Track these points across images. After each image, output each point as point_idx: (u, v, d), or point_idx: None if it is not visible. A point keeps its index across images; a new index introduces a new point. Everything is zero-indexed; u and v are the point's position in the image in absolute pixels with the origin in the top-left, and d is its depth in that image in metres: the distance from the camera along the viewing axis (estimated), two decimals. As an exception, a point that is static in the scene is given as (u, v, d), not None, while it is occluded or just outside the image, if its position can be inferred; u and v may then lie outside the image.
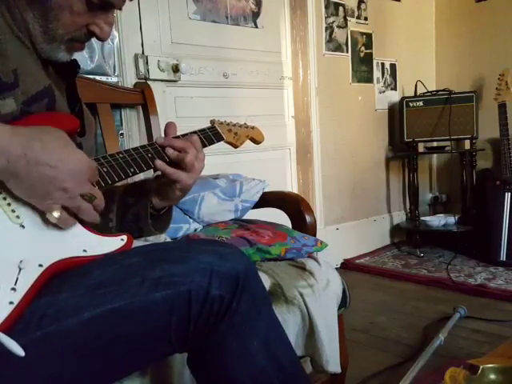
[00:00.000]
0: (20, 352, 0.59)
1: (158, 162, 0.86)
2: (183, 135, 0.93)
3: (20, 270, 0.66)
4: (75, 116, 0.85)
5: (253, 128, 1.17)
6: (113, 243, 0.79)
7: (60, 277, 0.70)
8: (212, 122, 1.05)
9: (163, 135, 0.92)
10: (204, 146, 0.96)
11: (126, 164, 0.82)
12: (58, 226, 0.71)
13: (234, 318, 0.75)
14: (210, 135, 1.00)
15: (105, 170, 0.79)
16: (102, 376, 0.73)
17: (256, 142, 1.17)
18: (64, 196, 0.68)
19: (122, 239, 0.80)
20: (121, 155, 0.82)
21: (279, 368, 0.79)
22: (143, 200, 0.93)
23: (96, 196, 0.72)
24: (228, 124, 1.08)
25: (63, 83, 0.90)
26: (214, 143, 1.01)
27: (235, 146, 1.09)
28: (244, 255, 0.82)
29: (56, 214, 0.69)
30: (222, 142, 1.05)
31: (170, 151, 0.87)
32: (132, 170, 0.83)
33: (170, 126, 0.92)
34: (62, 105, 0.85)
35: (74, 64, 0.90)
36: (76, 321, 0.66)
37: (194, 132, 0.96)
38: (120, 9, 0.84)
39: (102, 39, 0.84)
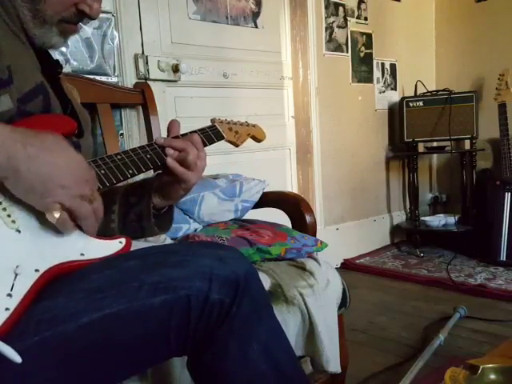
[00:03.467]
0: (17, 359, 0.58)
1: (170, 161, 0.85)
2: (183, 135, 0.92)
3: (16, 275, 0.64)
4: (70, 117, 0.84)
5: (254, 126, 1.14)
6: (111, 246, 0.77)
7: (57, 281, 0.69)
8: (212, 120, 1.03)
9: (166, 133, 0.91)
10: (204, 145, 0.94)
11: (124, 166, 0.81)
12: (56, 228, 0.69)
13: (234, 323, 0.74)
14: (210, 134, 0.98)
15: (102, 171, 0.78)
16: (100, 380, 0.72)
17: (257, 140, 1.15)
18: (63, 193, 0.66)
19: (121, 242, 0.78)
20: (119, 157, 0.81)
21: (279, 372, 0.78)
22: (146, 199, 0.91)
23: (96, 199, 0.71)
24: (229, 122, 1.06)
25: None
26: (214, 142, 0.99)
27: (236, 145, 1.07)
28: (244, 258, 0.81)
29: (56, 214, 0.66)
30: (223, 141, 1.03)
31: (170, 151, 0.86)
32: (130, 171, 0.82)
33: (173, 125, 0.92)
34: (55, 104, 0.84)
35: (57, 65, 0.89)
36: (73, 326, 0.66)
37: (194, 131, 0.95)
38: None
39: (92, 17, 0.83)
